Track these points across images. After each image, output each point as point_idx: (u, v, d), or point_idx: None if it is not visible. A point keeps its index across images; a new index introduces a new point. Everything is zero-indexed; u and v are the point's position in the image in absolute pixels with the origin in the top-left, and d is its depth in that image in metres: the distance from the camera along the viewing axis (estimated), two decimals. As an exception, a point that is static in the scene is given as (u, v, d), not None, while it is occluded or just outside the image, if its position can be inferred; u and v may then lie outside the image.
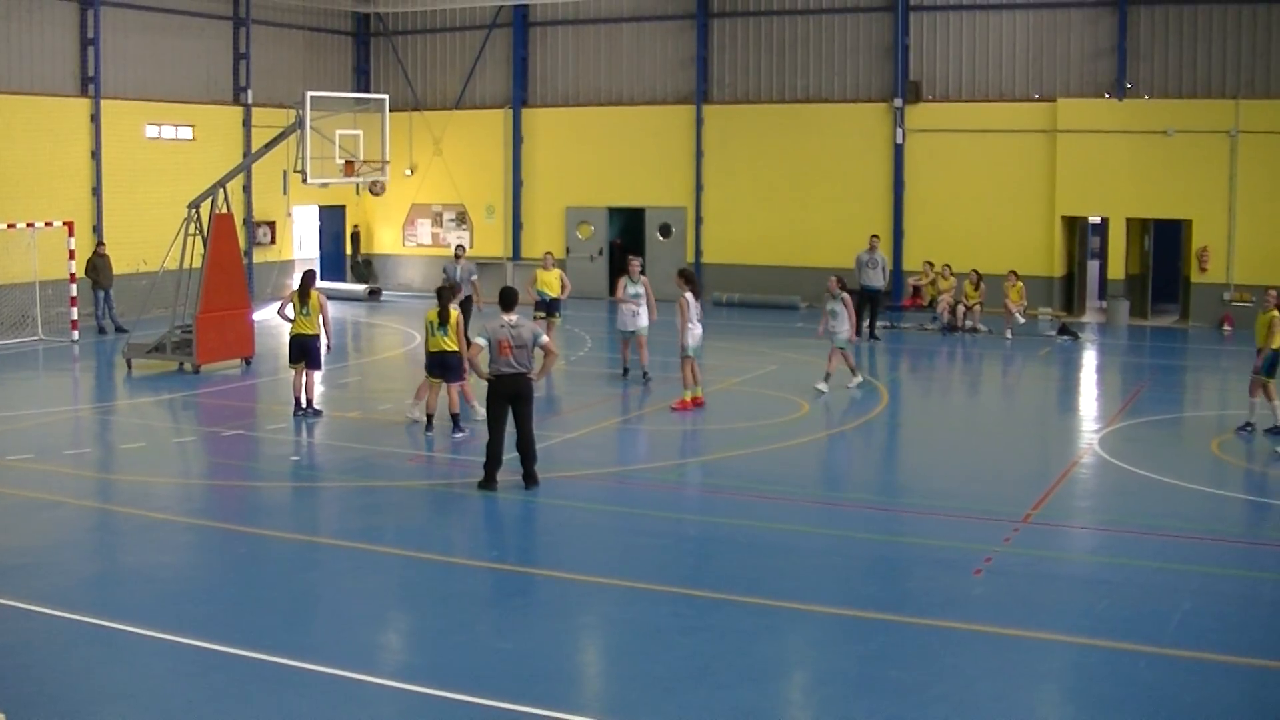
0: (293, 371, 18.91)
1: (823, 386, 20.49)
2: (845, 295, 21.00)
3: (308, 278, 18.98)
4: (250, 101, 33.70)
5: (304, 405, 18.66)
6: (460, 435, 17.17)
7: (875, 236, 28.63)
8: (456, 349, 17.03)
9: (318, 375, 19.46)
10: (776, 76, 33.70)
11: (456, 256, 24.93)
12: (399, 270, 37.98)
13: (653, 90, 35.07)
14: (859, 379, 21.08)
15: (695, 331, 19.23)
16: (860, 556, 12.51)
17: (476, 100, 37.04)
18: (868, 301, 26.91)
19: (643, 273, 21.99)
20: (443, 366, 17.28)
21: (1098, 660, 9.68)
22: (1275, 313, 17.40)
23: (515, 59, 36.29)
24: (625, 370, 21.74)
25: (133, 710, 8.76)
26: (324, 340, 19.11)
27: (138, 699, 8.93)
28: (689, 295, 19.23)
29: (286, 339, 19.23)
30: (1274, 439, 17.01)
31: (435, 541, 13.04)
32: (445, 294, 17.49)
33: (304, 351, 18.64)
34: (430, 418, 17.56)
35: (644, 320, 21.35)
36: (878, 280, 27.52)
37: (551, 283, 23.35)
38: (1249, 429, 17.61)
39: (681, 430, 18.23)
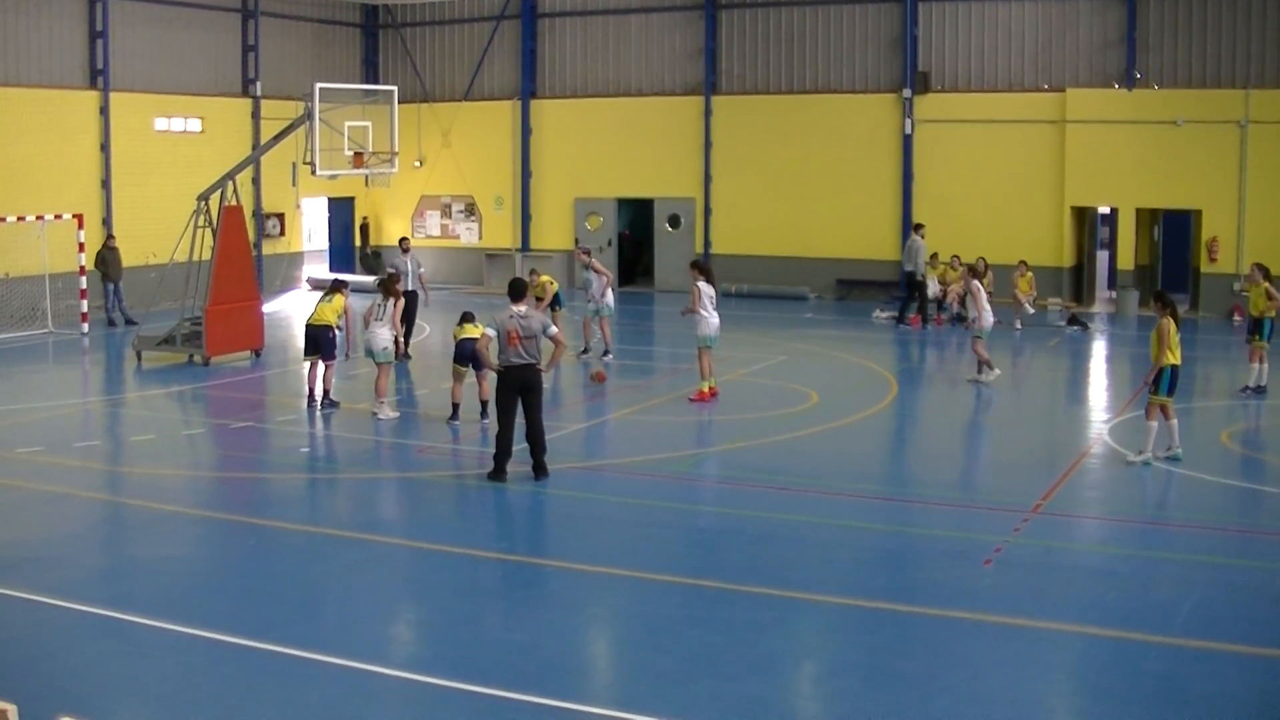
0: (306, 363, 19.00)
1: (598, 360, 21.88)
2: (593, 263, 22.24)
3: (337, 284, 19.42)
4: (259, 94, 33.71)
5: (317, 397, 18.74)
6: (488, 420, 17.20)
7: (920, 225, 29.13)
8: (476, 336, 17.02)
9: (331, 367, 19.35)
10: (785, 67, 33.62)
11: (404, 250, 23.82)
12: (408, 262, 37.96)
13: (661, 81, 35.02)
14: (605, 358, 22.02)
15: (712, 321, 19.22)
16: (869, 547, 12.50)
17: (485, 92, 37.02)
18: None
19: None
20: (464, 354, 17.46)
21: (1107, 651, 9.67)
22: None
23: (523, 50, 36.26)
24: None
25: (143, 702, 8.79)
26: (345, 339, 19.32)
27: (148, 691, 8.96)
28: (702, 284, 19.20)
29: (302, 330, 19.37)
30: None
31: (444, 533, 13.05)
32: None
33: (316, 343, 18.73)
34: (456, 408, 17.68)
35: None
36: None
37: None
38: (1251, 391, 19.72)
39: (690, 421, 18.22)
